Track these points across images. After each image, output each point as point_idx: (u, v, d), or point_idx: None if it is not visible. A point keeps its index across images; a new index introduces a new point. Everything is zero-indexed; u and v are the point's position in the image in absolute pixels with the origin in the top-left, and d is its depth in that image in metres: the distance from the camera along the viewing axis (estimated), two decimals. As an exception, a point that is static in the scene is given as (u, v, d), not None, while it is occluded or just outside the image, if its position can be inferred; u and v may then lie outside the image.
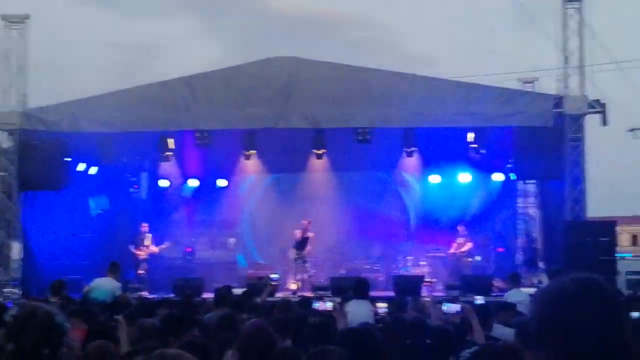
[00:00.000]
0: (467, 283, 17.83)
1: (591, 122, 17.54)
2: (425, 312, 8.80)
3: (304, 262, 19.13)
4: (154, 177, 23.64)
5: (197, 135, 18.63)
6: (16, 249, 18.64)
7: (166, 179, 23.03)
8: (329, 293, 16.81)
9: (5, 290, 17.98)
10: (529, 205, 23.46)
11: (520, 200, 23.63)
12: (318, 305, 8.99)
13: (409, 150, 20.23)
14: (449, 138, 19.64)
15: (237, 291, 12.29)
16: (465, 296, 15.02)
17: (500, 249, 22.22)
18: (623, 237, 66.83)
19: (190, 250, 22.82)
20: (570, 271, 2.38)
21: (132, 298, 12.32)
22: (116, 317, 6.80)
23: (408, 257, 22.01)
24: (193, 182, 23.37)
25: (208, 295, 14.85)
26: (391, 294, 16.81)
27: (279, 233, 21.62)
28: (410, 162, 21.11)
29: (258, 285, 15.22)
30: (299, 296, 15.19)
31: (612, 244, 17.29)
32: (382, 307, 10.61)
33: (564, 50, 17.51)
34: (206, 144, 18.85)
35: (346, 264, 21.76)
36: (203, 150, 19.75)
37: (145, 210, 24.04)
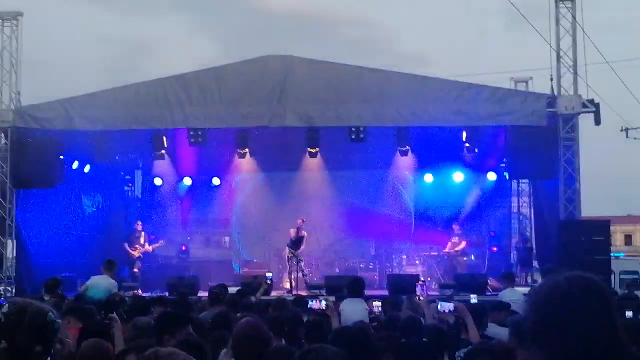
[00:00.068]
0: (461, 282, 17.85)
1: (584, 121, 17.59)
2: (419, 311, 8.81)
3: (299, 260, 19.12)
4: (148, 175, 23.67)
5: (191, 133, 18.62)
6: (10, 247, 18.60)
7: (160, 177, 23.05)
8: (323, 292, 16.83)
9: (-1, 288, 17.97)
10: (523, 205, 23.53)
11: (514, 199, 23.70)
12: (313, 304, 9.00)
13: (402, 149, 20.24)
14: (442, 137, 19.69)
15: (232, 290, 12.29)
16: (460, 295, 15.05)
17: (495, 248, 22.28)
18: (617, 236, 67.11)
19: (184, 248, 22.83)
20: (564, 270, 2.39)
21: (126, 296, 12.33)
22: (111, 315, 6.80)
23: (403, 256, 22.07)
24: (187, 181, 23.37)
25: (203, 294, 14.85)
26: (386, 292, 16.82)
27: (274, 232, 21.62)
28: (404, 161, 21.14)
29: (253, 284, 15.22)
30: (293, 295, 15.21)
31: (607, 243, 17.32)
32: (376, 305, 10.59)
33: (557, 49, 17.54)
34: (200, 143, 18.84)
35: (341, 262, 21.80)
36: (197, 148, 19.75)
37: (139, 208, 24.06)
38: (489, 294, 16.51)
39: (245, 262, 22.40)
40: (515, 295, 12.19)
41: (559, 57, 17.50)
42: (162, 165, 21.77)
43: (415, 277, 17.97)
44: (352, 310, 9.66)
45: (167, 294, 16.07)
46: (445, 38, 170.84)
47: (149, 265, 21.15)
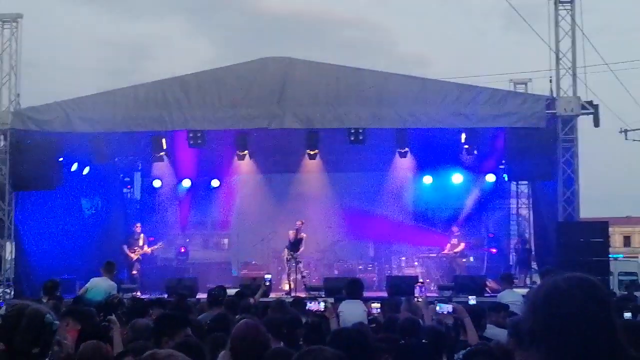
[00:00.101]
0: (460, 284, 17.86)
1: (583, 123, 17.60)
2: (418, 312, 8.80)
3: (298, 262, 19.11)
4: (147, 177, 23.66)
5: (191, 135, 18.60)
6: (9, 249, 18.60)
7: (159, 179, 23.04)
8: (322, 293, 16.81)
9: (-3, 290, 17.96)
10: (522, 206, 23.54)
11: (513, 201, 23.72)
12: (311, 306, 8.99)
13: (402, 150, 20.25)
14: (442, 139, 19.70)
15: (231, 291, 12.29)
16: (459, 297, 15.03)
17: (494, 250, 22.27)
18: (615, 238, 67.12)
19: (183, 250, 22.81)
20: (563, 271, 2.39)
21: (125, 298, 12.32)
22: (109, 317, 6.79)
23: (401, 258, 22.06)
24: (186, 183, 23.37)
25: (202, 296, 14.84)
26: (384, 294, 16.81)
27: (273, 234, 21.61)
28: (404, 163, 21.14)
29: (252, 286, 15.21)
30: (292, 297, 15.19)
31: (605, 244, 17.33)
32: (375, 307, 10.59)
33: (556, 51, 17.55)
34: (199, 144, 18.82)
35: (339, 264, 21.78)
36: (196, 150, 19.73)
37: (138, 210, 24.05)
38: (488, 295, 16.51)
39: (244, 264, 22.37)
40: (514, 296, 12.18)
41: (558, 59, 17.52)
42: (161, 167, 21.78)
43: (414, 279, 17.96)
44: (351, 312, 9.65)
45: (165, 296, 16.06)
46: (444, 40, 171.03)
47: (147, 267, 21.14)
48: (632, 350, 2.30)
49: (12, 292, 17.80)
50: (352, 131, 18.28)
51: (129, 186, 24.42)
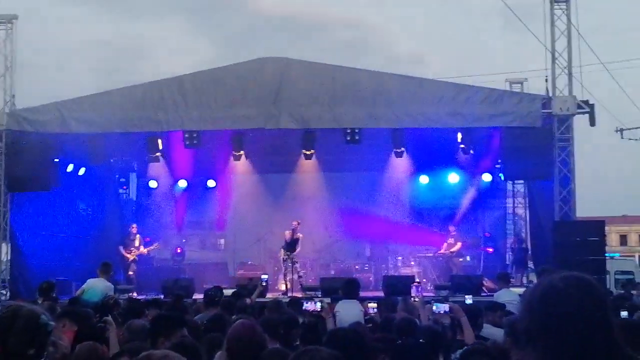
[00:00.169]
0: (456, 283, 17.85)
1: (579, 122, 17.62)
2: (415, 312, 8.80)
3: (294, 262, 19.10)
4: (143, 177, 23.65)
5: (186, 135, 18.58)
6: (4, 250, 18.56)
7: (155, 179, 23.03)
8: (318, 293, 16.80)
9: (-7, 292, 17.93)
10: (518, 206, 23.57)
11: (509, 200, 23.75)
12: (308, 306, 8.99)
13: (398, 150, 20.25)
14: (438, 139, 19.71)
15: (227, 292, 12.28)
16: (455, 296, 15.03)
17: (490, 249, 22.29)
18: (612, 237, 67.28)
19: (179, 250, 22.79)
20: (559, 271, 2.39)
21: (121, 299, 12.30)
22: (105, 318, 6.78)
23: (398, 258, 22.06)
24: (182, 183, 23.35)
25: (198, 296, 14.83)
26: (381, 294, 16.81)
27: (269, 234, 21.62)
28: (400, 163, 21.13)
29: (248, 286, 15.20)
30: (289, 297, 15.19)
31: (602, 243, 17.34)
32: (371, 307, 10.59)
33: (552, 50, 17.56)
34: (195, 145, 18.80)
35: (336, 264, 21.80)
36: (192, 150, 19.70)
37: (134, 211, 24.04)
38: (485, 294, 16.51)
39: (240, 264, 22.36)
40: (511, 296, 12.19)
41: (554, 59, 17.52)
42: (157, 167, 21.76)
43: (411, 279, 18.03)
44: (347, 312, 9.65)
45: (162, 296, 16.03)
46: (440, 40, 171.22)
47: (144, 268, 21.10)
48: (629, 350, 2.30)
49: (8, 294, 17.77)
50: (348, 131, 18.28)
51: (124, 187, 24.40)
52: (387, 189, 22.54)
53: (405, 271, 20.95)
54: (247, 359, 4.87)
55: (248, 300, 11.40)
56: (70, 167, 20.05)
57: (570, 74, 17.40)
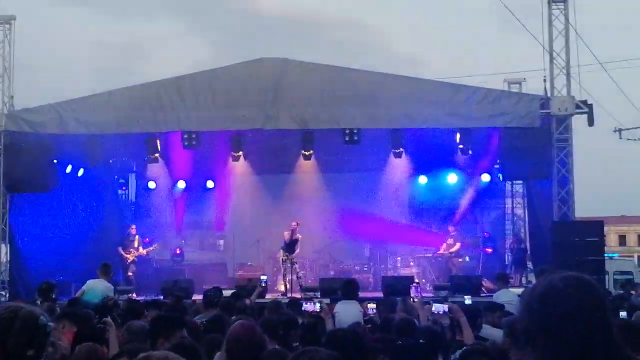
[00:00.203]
0: (456, 283, 17.86)
1: (578, 122, 17.64)
2: (414, 313, 8.80)
3: (293, 263, 19.10)
4: (142, 178, 23.64)
5: (185, 136, 18.58)
6: (3, 252, 18.56)
7: (154, 180, 23.02)
8: (318, 294, 16.80)
9: (-8, 293, 17.93)
10: (517, 206, 23.58)
11: (508, 200, 23.75)
12: (307, 307, 8.99)
13: (396, 151, 20.26)
14: (436, 139, 19.71)
15: (227, 293, 12.27)
16: (454, 297, 15.03)
17: (489, 250, 22.28)
18: (610, 237, 67.34)
19: (179, 251, 22.77)
20: (558, 271, 2.39)
21: (120, 300, 12.30)
22: (105, 319, 6.78)
23: (397, 258, 22.07)
24: (181, 184, 23.34)
25: (197, 297, 14.82)
26: (380, 294, 16.80)
27: (268, 234, 21.61)
28: (398, 163, 21.13)
29: (247, 287, 15.20)
30: (288, 297, 15.18)
31: (601, 244, 17.36)
32: (371, 307, 10.58)
33: (550, 51, 17.57)
34: (194, 146, 18.79)
35: (335, 265, 21.79)
36: (191, 151, 19.69)
37: (133, 212, 24.03)
38: (484, 295, 16.51)
39: (239, 265, 22.35)
40: (510, 296, 12.19)
41: (551, 59, 17.54)
42: (156, 168, 21.77)
43: (410, 279, 17.98)
44: (346, 313, 9.65)
45: (161, 297, 16.03)
46: (438, 40, 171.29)
47: (143, 269, 21.10)
48: (628, 350, 2.30)
49: (7, 295, 17.76)
50: (347, 131, 18.28)
51: (123, 188, 24.40)
52: (386, 189, 22.54)
53: (404, 272, 20.95)
54: (246, 359, 4.87)
55: (247, 301, 11.40)
56: (69, 168, 20.05)
57: (568, 74, 17.41)
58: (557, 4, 17.59)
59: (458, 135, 19.08)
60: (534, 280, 18.21)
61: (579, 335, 2.21)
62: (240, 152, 20.50)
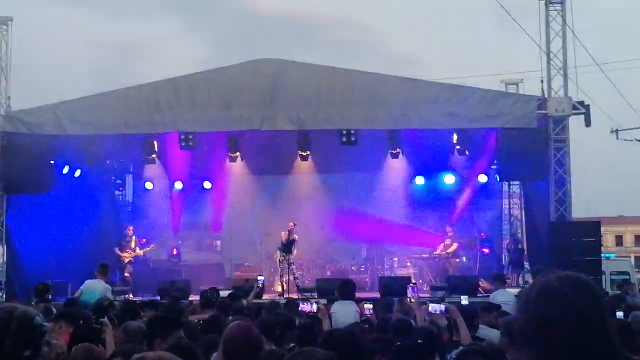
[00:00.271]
0: (452, 284, 17.87)
1: (575, 123, 17.66)
2: (411, 313, 8.80)
3: (290, 264, 19.08)
4: (139, 179, 23.62)
5: (182, 137, 18.57)
6: (0, 252, 18.52)
7: (151, 181, 23.00)
8: (314, 294, 16.79)
9: (-11, 293, 17.90)
10: (513, 206, 23.59)
11: (505, 201, 23.76)
12: (304, 307, 8.99)
13: (393, 151, 20.28)
14: (433, 139, 19.73)
15: (224, 293, 12.26)
16: (451, 297, 15.05)
17: (486, 250, 22.29)
18: (607, 237, 67.38)
19: (175, 252, 22.75)
20: (555, 271, 2.39)
21: (117, 300, 12.29)
22: (102, 319, 6.78)
23: (394, 258, 22.06)
24: (178, 185, 23.32)
25: (194, 298, 14.81)
26: (377, 295, 16.80)
27: (265, 235, 21.60)
28: (395, 164, 21.16)
29: (244, 288, 15.18)
30: (285, 298, 15.18)
31: (597, 244, 17.38)
32: (367, 308, 10.58)
33: (547, 51, 17.59)
34: (191, 146, 18.79)
35: (332, 265, 21.79)
36: (188, 152, 19.69)
37: (130, 212, 24.01)
38: (480, 295, 16.53)
39: (236, 265, 22.34)
40: (507, 296, 12.21)
41: (549, 60, 17.56)
42: (153, 169, 21.76)
43: (407, 279, 17.97)
44: (343, 313, 9.66)
45: (158, 297, 16.01)
46: (435, 41, 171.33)
47: (140, 270, 21.08)
48: (625, 350, 2.30)
49: (4, 295, 17.73)
50: (344, 132, 18.28)
51: (120, 188, 24.37)
52: (383, 190, 22.55)
53: (401, 272, 20.95)
54: (243, 359, 4.87)
55: (244, 302, 11.40)
56: (66, 169, 20.03)
57: (565, 75, 17.44)
58: (555, 5, 17.61)
59: (455, 136, 19.09)
60: (530, 281, 18.21)
61: (575, 335, 2.21)
62: (238, 153, 20.49)
